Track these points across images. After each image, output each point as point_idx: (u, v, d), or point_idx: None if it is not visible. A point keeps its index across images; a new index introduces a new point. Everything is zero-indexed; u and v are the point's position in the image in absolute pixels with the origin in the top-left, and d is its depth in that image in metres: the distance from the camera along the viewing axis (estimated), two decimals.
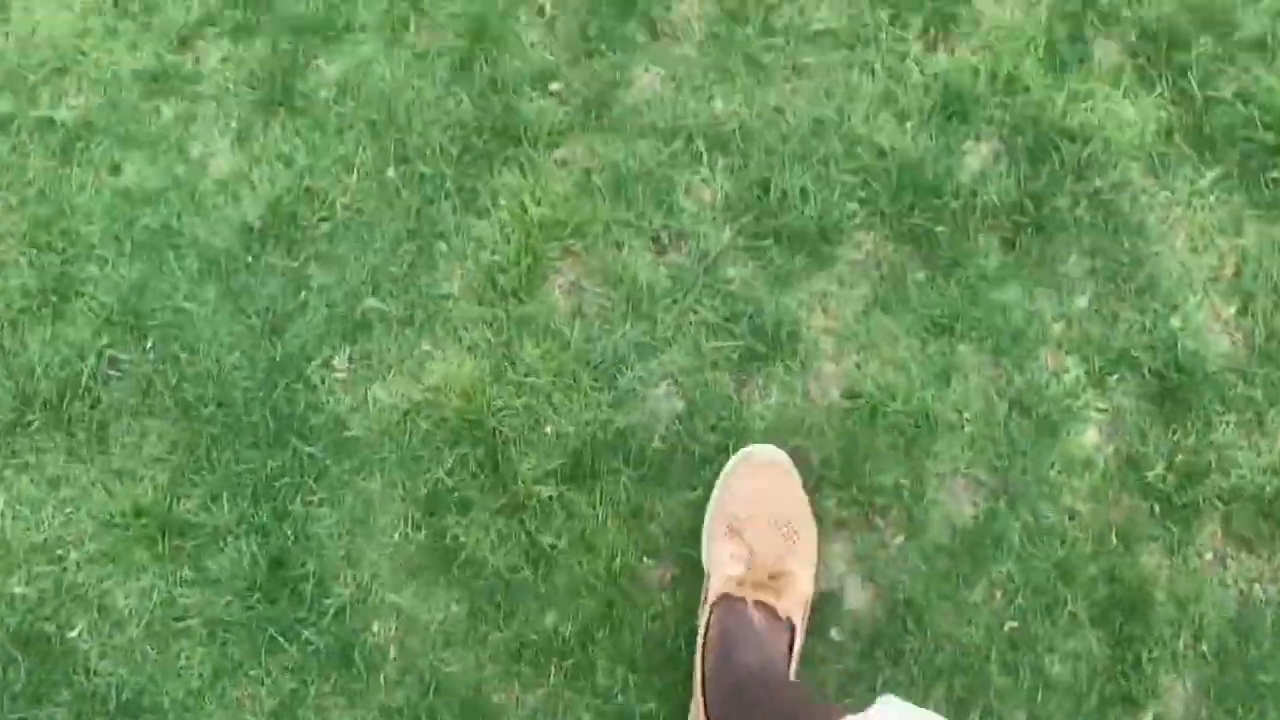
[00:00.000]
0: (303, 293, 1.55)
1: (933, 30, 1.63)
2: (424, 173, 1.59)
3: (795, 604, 1.34)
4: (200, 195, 1.60)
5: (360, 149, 1.61)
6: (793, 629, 1.33)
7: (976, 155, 1.58)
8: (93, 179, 1.61)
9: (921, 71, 1.61)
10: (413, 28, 1.66)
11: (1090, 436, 1.48)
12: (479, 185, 1.58)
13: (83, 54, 1.67)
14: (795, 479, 1.44)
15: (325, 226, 1.58)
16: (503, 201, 1.58)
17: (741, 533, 1.39)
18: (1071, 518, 1.45)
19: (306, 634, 1.43)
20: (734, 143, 1.59)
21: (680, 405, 1.50)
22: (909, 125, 1.58)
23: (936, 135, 1.58)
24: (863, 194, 1.56)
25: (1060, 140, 1.56)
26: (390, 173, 1.60)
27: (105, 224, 1.59)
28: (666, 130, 1.60)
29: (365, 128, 1.61)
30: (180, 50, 1.67)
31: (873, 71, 1.61)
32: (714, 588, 1.36)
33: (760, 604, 1.32)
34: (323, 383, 1.52)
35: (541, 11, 1.66)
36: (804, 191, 1.56)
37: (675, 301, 1.53)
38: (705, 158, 1.58)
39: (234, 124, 1.63)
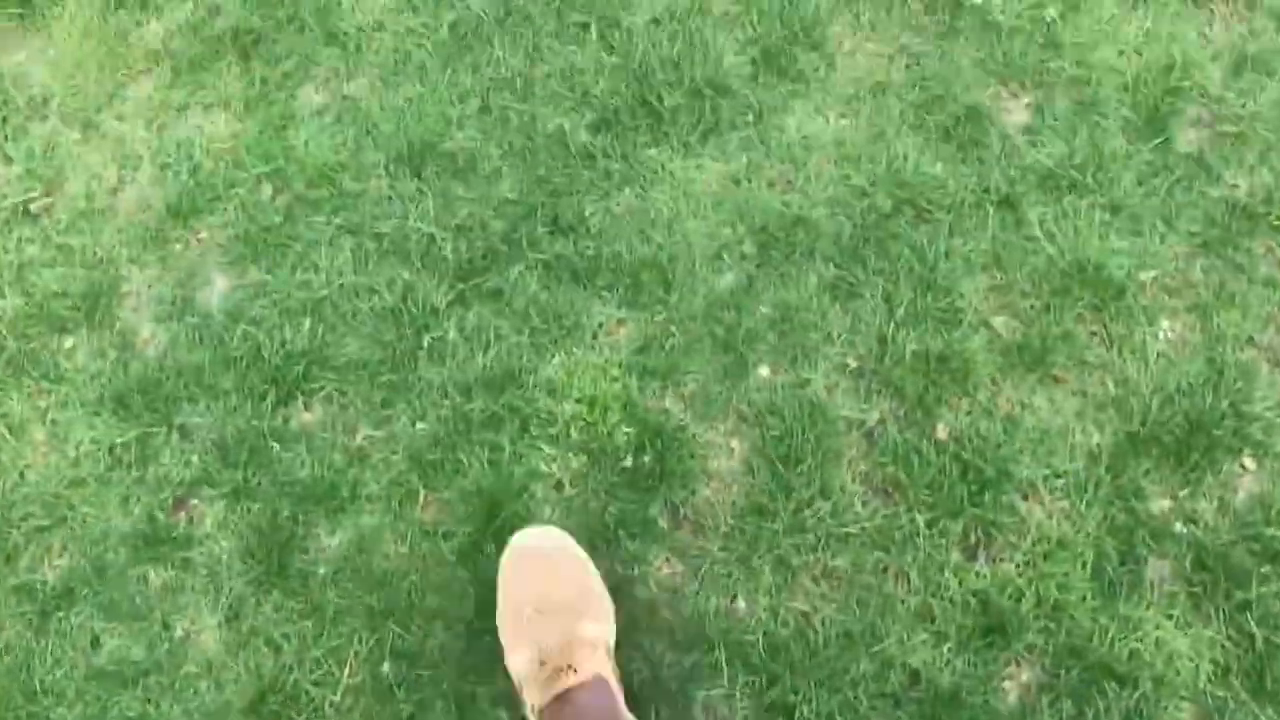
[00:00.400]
0: None
1: (973, 537, 1.53)
2: (421, 674, 1.48)
3: (599, 664, 1.36)
4: (182, 681, 1.49)
5: (355, 640, 1.50)
6: (606, 680, 1.35)
7: (1016, 685, 1.46)
8: (69, 653, 1.51)
9: (960, 584, 1.50)
10: (420, 501, 1.57)
11: None
12: (478, 690, 1.47)
13: (71, 508, 1.58)
14: (566, 557, 1.44)
15: None
16: (503, 715, 1.46)
17: (527, 633, 1.39)
18: None
19: None
20: (756, 654, 1.48)
21: None
22: (946, 647, 1.47)
23: (974, 660, 1.46)
24: None
25: (1107, 681, 1.45)
26: (385, 668, 1.49)
27: (79, 709, 1.48)
28: (685, 638, 1.49)
29: (363, 614, 1.51)
30: (174, 511, 1.58)
31: (908, 580, 1.51)
32: (528, 698, 1.36)
33: (570, 691, 1.32)
34: None
35: (559, 487, 1.57)
36: None
37: None
38: (725, 671, 1.47)
39: (224, 599, 1.53)
